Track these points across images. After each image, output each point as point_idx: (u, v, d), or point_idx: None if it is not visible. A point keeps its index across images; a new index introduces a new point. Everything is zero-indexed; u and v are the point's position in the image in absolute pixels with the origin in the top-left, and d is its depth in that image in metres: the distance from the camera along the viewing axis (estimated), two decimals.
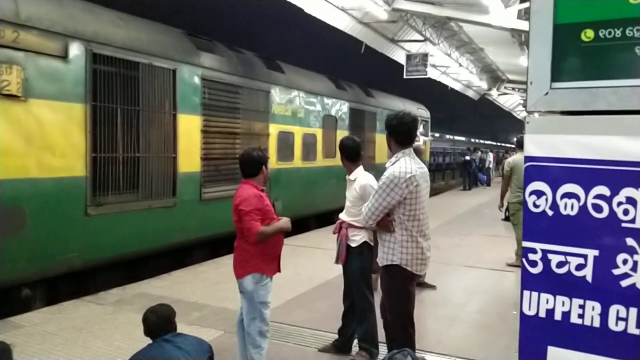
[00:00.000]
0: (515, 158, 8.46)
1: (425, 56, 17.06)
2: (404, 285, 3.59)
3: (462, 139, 72.40)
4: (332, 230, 4.53)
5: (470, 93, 30.97)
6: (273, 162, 9.83)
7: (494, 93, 30.56)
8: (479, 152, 26.83)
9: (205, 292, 6.35)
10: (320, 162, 11.58)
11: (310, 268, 7.56)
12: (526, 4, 12.34)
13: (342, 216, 4.44)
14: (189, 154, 7.76)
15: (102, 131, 6.35)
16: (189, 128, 7.74)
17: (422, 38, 17.31)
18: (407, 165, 3.47)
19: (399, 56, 18.79)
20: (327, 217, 12.25)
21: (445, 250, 8.74)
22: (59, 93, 5.85)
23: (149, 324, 3.12)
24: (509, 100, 36.11)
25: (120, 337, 4.86)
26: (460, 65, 21.58)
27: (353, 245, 4.28)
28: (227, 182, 8.61)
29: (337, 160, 12.22)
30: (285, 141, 10.25)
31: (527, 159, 2.41)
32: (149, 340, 3.16)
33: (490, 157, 26.86)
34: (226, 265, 7.17)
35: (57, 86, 5.83)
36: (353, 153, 4.47)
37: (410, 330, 3.68)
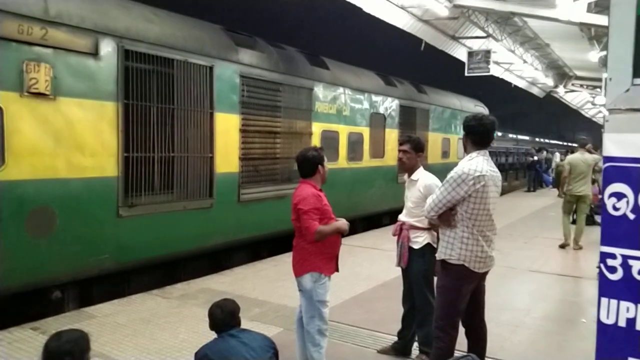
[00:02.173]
0: (574, 156, 9.67)
1: (487, 53, 16.73)
2: (459, 283, 3.53)
3: (526, 138, 69.55)
4: (392, 232, 4.45)
5: (535, 90, 29.90)
6: None
7: (560, 90, 29.31)
8: (545, 152, 25.42)
9: (265, 289, 6.44)
10: (367, 163, 11.09)
11: (368, 268, 7.49)
12: None
13: (402, 217, 4.37)
14: (227, 154, 7.50)
15: (135, 130, 6.18)
16: (227, 127, 7.48)
17: (484, 34, 16.86)
18: (478, 165, 3.47)
19: (460, 53, 18.41)
20: (374, 220, 11.74)
21: (508, 253, 8.33)
22: (89, 91, 5.72)
23: (214, 318, 3.17)
24: (576, 97, 34.47)
25: (185, 331, 5.02)
26: (525, 61, 20.81)
27: (415, 247, 4.22)
28: (266, 183, 8.32)
29: (385, 161, 11.85)
30: (329, 140, 9.84)
31: (606, 159, 2.33)
32: (212, 334, 3.20)
33: (557, 157, 25.52)
34: (285, 263, 7.29)
35: (88, 84, 5.70)
36: (423, 153, 4.44)
37: (452, 332, 3.59)
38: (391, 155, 11.99)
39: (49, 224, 5.40)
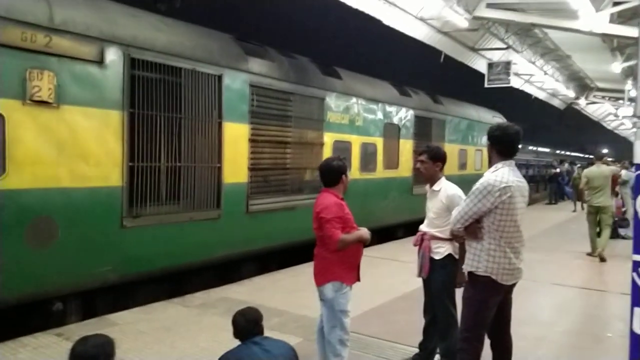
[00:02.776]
0: (592, 169, 10.04)
1: (507, 64, 16.67)
2: (486, 295, 3.49)
3: (547, 150, 68.51)
4: (413, 242, 4.41)
5: (555, 102, 29.66)
6: None
7: (581, 102, 29.12)
8: (566, 165, 24.95)
9: (284, 299, 6.46)
10: (381, 174, 10.86)
11: (388, 279, 7.46)
12: (620, 7, 11.55)
13: (424, 228, 4.35)
14: (235, 164, 7.36)
15: (140, 139, 6.07)
16: (236, 137, 7.35)
17: (504, 46, 16.75)
18: (504, 176, 3.43)
19: (480, 65, 18.35)
20: (388, 232, 11.48)
21: (530, 266, 8.14)
22: (94, 99, 5.63)
23: (237, 326, 3.20)
24: (598, 109, 34.08)
25: (205, 339, 5.03)
26: (545, 73, 20.73)
27: (437, 257, 4.19)
28: (276, 193, 8.15)
29: (399, 172, 11.60)
30: (342, 151, 9.63)
31: (638, 167, 2.38)
32: (232, 344, 3.22)
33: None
34: (304, 274, 7.46)
35: (92, 92, 5.62)
36: (444, 163, 4.39)
37: (477, 345, 3.54)
38: (405, 166, 11.77)
39: (49, 235, 5.29)
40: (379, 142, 10.79)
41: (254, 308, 3.33)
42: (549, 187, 23.29)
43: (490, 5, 13.29)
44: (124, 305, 6.22)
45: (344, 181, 4.00)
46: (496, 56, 17.88)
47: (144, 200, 6.13)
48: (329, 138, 9.28)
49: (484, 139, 16.10)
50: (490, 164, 3.63)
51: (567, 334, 5.57)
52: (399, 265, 8.56)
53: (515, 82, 19.72)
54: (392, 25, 13.29)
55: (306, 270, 7.10)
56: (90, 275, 5.73)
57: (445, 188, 4.24)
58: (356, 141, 10.07)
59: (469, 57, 17.98)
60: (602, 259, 9.45)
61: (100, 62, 5.68)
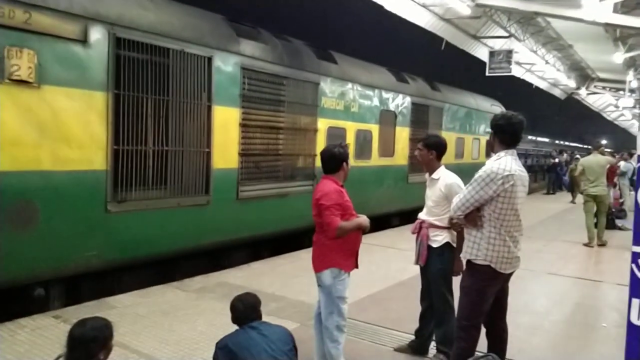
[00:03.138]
0: (588, 158, 10.21)
1: (509, 53, 16.62)
2: (484, 284, 3.50)
3: (546, 140, 68.23)
4: (411, 230, 4.43)
5: (556, 92, 29.60)
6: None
7: (582, 92, 28.94)
8: (565, 155, 24.86)
9: (282, 285, 6.46)
10: (376, 161, 10.69)
11: (384, 267, 7.47)
12: None
13: (422, 216, 4.35)
14: (225, 149, 7.19)
15: (125, 122, 5.89)
16: (226, 121, 7.17)
17: (506, 34, 16.64)
18: (507, 164, 3.43)
19: (481, 53, 18.27)
20: (383, 221, 11.34)
21: (527, 256, 8.42)
22: (77, 80, 5.44)
23: (235, 311, 3.23)
24: (598, 100, 33.97)
25: (203, 323, 5.06)
26: (547, 62, 20.58)
27: (434, 245, 4.21)
28: (268, 180, 7.99)
29: (395, 160, 11.42)
30: (336, 138, 9.42)
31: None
32: (230, 328, 3.27)
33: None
34: (302, 260, 7.51)
35: (75, 72, 5.42)
36: (443, 151, 4.38)
37: (474, 333, 3.57)
38: (401, 154, 11.60)
39: (30, 218, 5.14)
40: (374, 129, 10.60)
41: (252, 294, 3.36)
42: (547, 177, 23.20)
43: None
44: (110, 291, 6.10)
45: (345, 168, 3.99)
46: (498, 44, 17.81)
47: (129, 184, 5.97)
48: (323, 124, 9.09)
49: (482, 128, 15.96)
50: (492, 153, 3.63)
51: (562, 324, 5.60)
52: (396, 252, 8.59)
53: (516, 71, 19.70)
54: (394, 12, 13.22)
55: (304, 256, 7.23)
56: (73, 261, 5.59)
57: (444, 177, 4.23)
58: (351, 128, 9.88)
59: (470, 45, 17.86)
60: (602, 244, 9.82)
61: (83, 41, 5.48)
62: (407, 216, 12.29)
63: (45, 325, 4.89)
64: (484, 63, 17.32)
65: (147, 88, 6.11)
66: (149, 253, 6.39)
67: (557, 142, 68.33)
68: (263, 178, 7.91)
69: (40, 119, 5.15)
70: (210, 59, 6.87)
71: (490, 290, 3.53)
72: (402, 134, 11.59)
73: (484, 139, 16.08)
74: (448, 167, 4.40)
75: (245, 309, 3.22)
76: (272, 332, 3.15)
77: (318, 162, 8.94)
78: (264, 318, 3.32)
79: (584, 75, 26.76)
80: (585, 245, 9.87)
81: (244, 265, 7.52)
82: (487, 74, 17.02)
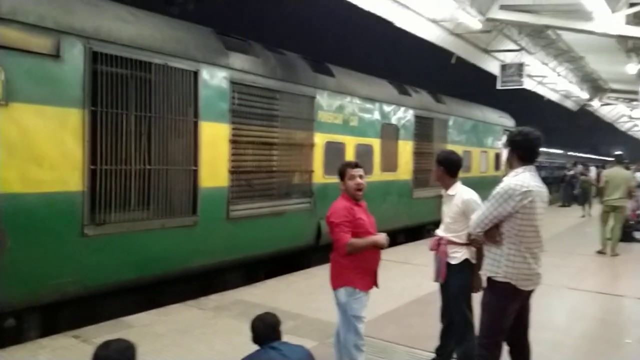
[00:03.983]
0: (611, 170, 10.56)
1: (520, 66, 16.62)
2: (505, 302, 3.48)
3: (559, 152, 67.40)
4: (429, 247, 4.40)
5: (568, 104, 29.54)
6: (319, 176, 8.73)
7: (595, 103, 28.87)
8: (579, 166, 24.38)
9: (298, 302, 6.41)
10: (378, 177, 10.29)
11: (401, 283, 7.37)
12: (636, 8, 11.44)
13: (440, 232, 4.34)
14: (214, 167, 6.85)
15: (104, 140, 5.58)
16: (214, 137, 6.84)
17: (517, 47, 16.63)
18: (525, 180, 3.44)
19: (492, 67, 18.24)
20: None
21: (544, 270, 8.04)
22: (49, 97, 5.14)
23: (256, 331, 3.23)
24: (611, 111, 33.71)
25: (221, 342, 5.05)
26: (559, 74, 20.56)
27: (453, 262, 4.18)
28: (262, 198, 7.62)
29: (398, 175, 11.00)
30: (334, 152, 9.11)
31: None
32: (248, 347, 3.25)
33: (593, 171, 24.49)
34: (317, 276, 7.55)
35: (47, 89, 5.13)
36: (456, 167, 4.35)
37: (496, 351, 3.56)
38: (405, 168, 11.19)
39: None
40: (375, 143, 10.22)
41: (272, 313, 3.35)
42: (562, 189, 22.76)
43: (503, 7, 13.27)
44: (90, 319, 5.74)
45: (346, 184, 3.96)
46: (509, 58, 17.82)
47: (108, 206, 5.63)
48: (320, 139, 8.74)
49: (490, 140, 15.52)
50: (511, 169, 3.62)
51: (584, 340, 5.48)
52: (412, 268, 8.51)
53: (528, 84, 19.73)
54: (404, 27, 13.19)
55: (320, 273, 7.41)
56: (47, 288, 5.24)
57: (460, 192, 4.21)
58: (350, 142, 9.51)
59: (481, 59, 17.89)
60: (615, 255, 9.92)
61: (56, 55, 5.19)
62: (413, 233, 11.85)
63: (65, 345, 4.90)
64: (494, 76, 17.35)
65: (127, 104, 5.81)
66: (131, 277, 6.02)
67: (570, 153, 67.40)
68: (256, 196, 7.54)
69: (8, 139, 4.84)
70: (196, 73, 6.57)
71: (511, 308, 3.50)
72: (406, 148, 11.19)
73: (493, 152, 15.62)
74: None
75: (266, 329, 3.21)
76: (293, 352, 3.12)
77: (315, 178, 8.76)
78: (282, 336, 3.29)
79: (597, 87, 26.59)
80: (599, 252, 10.09)
81: (259, 282, 7.49)
82: (498, 87, 17.00)
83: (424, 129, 11.86)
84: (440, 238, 4.29)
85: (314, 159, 8.59)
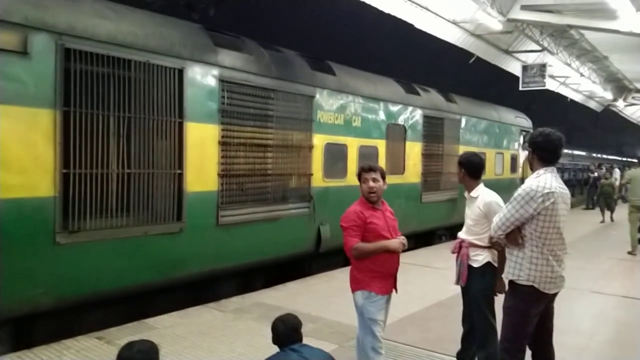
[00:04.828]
0: (635, 171, 10.78)
1: (543, 67, 16.51)
2: (528, 305, 3.45)
3: (583, 153, 65.95)
4: (451, 250, 4.40)
5: (592, 104, 29.32)
6: (318, 180, 8.30)
7: (619, 104, 28.70)
8: (603, 168, 23.66)
9: (318, 305, 6.40)
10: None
11: (421, 287, 7.31)
12: None
13: (462, 235, 4.31)
14: (202, 170, 6.48)
15: (77, 142, 5.24)
16: (202, 139, 6.47)
17: (539, 48, 16.50)
18: (547, 181, 3.42)
19: (514, 67, 18.08)
20: None
21: (568, 273, 8.12)
22: (15, 96, 4.82)
23: (277, 332, 3.21)
24: (637, 111, 32.72)
25: (242, 344, 5.07)
26: (582, 75, 20.32)
27: (475, 265, 4.16)
28: (255, 203, 7.22)
29: (406, 177, 10.46)
30: (335, 154, 8.68)
31: None
32: (269, 349, 3.23)
33: (617, 173, 23.94)
34: (337, 279, 7.53)
35: (13, 88, 4.81)
36: (478, 170, 4.34)
37: (519, 355, 3.52)
38: (413, 171, 10.69)
39: None
40: (380, 144, 9.75)
41: (293, 315, 3.31)
42: (586, 191, 22.25)
43: (524, 7, 13.12)
44: (66, 332, 5.40)
45: (362, 187, 3.93)
46: (531, 58, 17.64)
47: (83, 212, 5.29)
48: (319, 140, 8.31)
49: (506, 141, 14.89)
50: (532, 171, 3.59)
51: (609, 345, 5.41)
52: (433, 272, 8.44)
53: (550, 85, 19.53)
54: (424, 29, 13.22)
55: (339, 276, 7.49)
56: (16, 301, 4.91)
57: (482, 195, 4.20)
58: (353, 143, 9.06)
59: (502, 60, 17.78)
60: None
61: (23, 52, 4.87)
62: (422, 238, 11.34)
63: (89, 346, 4.98)
64: (516, 77, 17.18)
65: (104, 104, 5.48)
66: (110, 288, 5.67)
67: (594, 155, 65.78)
68: (249, 201, 7.14)
69: None
70: (181, 71, 6.21)
71: (534, 311, 3.46)
72: (414, 150, 10.69)
73: (509, 153, 14.98)
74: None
75: (287, 330, 3.18)
76: (314, 355, 3.09)
77: (315, 182, 8.32)
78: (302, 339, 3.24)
79: (621, 87, 26.29)
80: (629, 253, 10.21)
81: (280, 285, 7.47)
82: (520, 88, 16.84)
83: (433, 129, 11.33)
84: (462, 240, 4.25)
85: (312, 161, 8.16)
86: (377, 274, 3.80)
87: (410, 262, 8.72)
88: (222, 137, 6.71)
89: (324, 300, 6.59)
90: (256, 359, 3.20)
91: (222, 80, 6.70)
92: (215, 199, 6.66)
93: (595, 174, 20.99)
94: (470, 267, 4.18)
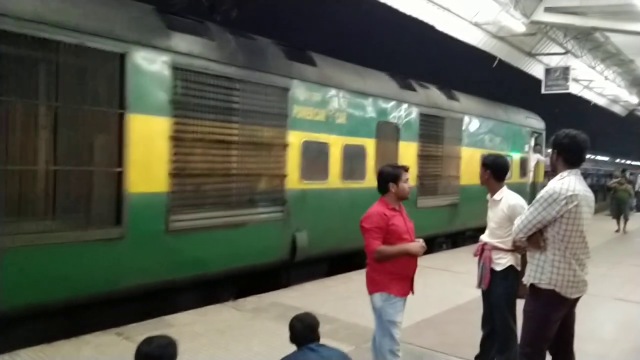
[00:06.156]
0: None
1: (566, 70, 16.30)
2: (549, 310, 3.41)
3: (606, 159, 64.23)
4: (473, 253, 4.38)
5: (616, 108, 28.94)
6: (294, 181, 7.49)
7: None
8: (628, 174, 22.62)
9: (335, 306, 6.40)
10: (372, 182, 8.83)
11: (440, 290, 7.28)
12: None
13: (485, 238, 4.31)
14: (148, 169, 5.72)
15: None
16: (149, 133, 5.72)
17: (563, 51, 16.30)
18: (570, 184, 3.38)
19: (537, 70, 17.79)
20: None
21: (591, 280, 8.10)
22: None
23: (294, 331, 3.19)
24: None
25: (259, 343, 5.09)
26: (607, 78, 20.02)
27: (497, 269, 4.15)
28: (216, 206, 6.45)
29: None
30: (315, 154, 7.87)
31: None
32: (286, 348, 3.21)
33: None
34: (354, 281, 7.37)
35: None
36: (503, 172, 4.31)
37: None
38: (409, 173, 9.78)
39: None
40: (369, 143, 8.90)
41: (311, 314, 3.30)
42: (609, 197, 21.21)
43: (548, 9, 12.87)
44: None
45: (393, 189, 3.93)
46: (554, 61, 17.37)
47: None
48: (295, 137, 7.50)
49: (516, 143, 13.89)
50: (555, 173, 3.56)
51: (632, 353, 5.36)
52: (451, 275, 8.38)
53: (573, 88, 19.13)
54: (445, 31, 13.04)
55: (357, 278, 7.28)
56: None
57: (506, 197, 4.18)
58: (336, 142, 8.23)
59: (525, 63, 17.47)
60: None
61: None
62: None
63: (108, 342, 4.98)
64: (538, 80, 16.91)
65: (29, 92, 4.78)
66: (35, 301, 4.94)
67: (617, 160, 63.88)
68: (208, 204, 6.37)
69: None
70: (123, 56, 5.47)
71: (555, 316, 3.44)
72: (408, 150, 9.81)
73: (518, 156, 13.97)
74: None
75: (304, 330, 3.17)
76: (332, 355, 3.09)
77: (290, 184, 7.50)
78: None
79: None
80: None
81: (297, 285, 7.47)
82: (543, 91, 16.61)
83: (431, 128, 10.43)
84: (485, 243, 4.24)
85: (287, 160, 7.36)
86: (395, 275, 3.82)
87: (429, 265, 8.60)
88: (175, 131, 5.96)
89: (341, 302, 6.59)
90: (273, 358, 3.26)
91: (175, 68, 5.96)
92: (165, 202, 5.89)
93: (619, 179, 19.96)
94: (492, 270, 4.15)
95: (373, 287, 3.87)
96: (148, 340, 2.66)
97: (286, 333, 3.24)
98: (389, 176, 3.94)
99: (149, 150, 5.72)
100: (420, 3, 11.77)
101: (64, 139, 5.03)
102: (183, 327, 5.45)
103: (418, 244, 3.87)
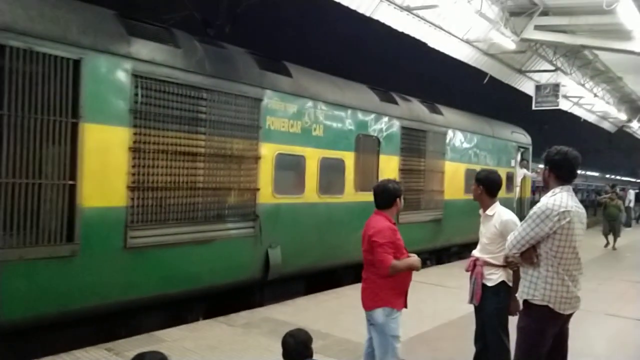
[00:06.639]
0: None
1: (556, 86, 16.54)
2: (542, 326, 3.41)
3: (596, 174, 64.60)
4: (465, 268, 4.38)
5: (605, 125, 29.83)
6: (267, 195, 7.16)
7: (634, 125, 28.71)
8: (618, 189, 22.75)
9: (327, 321, 6.37)
10: (351, 197, 8.62)
11: (432, 306, 7.28)
12: None
13: (476, 253, 4.31)
14: (104, 181, 5.38)
15: None
16: (105, 144, 5.39)
17: (552, 68, 16.48)
18: (563, 200, 3.40)
19: (527, 87, 18.03)
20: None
21: (582, 295, 7.87)
22: None
23: (287, 348, 3.17)
24: None
25: (250, 359, 5.06)
26: (596, 95, 20.21)
27: (489, 284, 4.14)
28: (179, 222, 6.11)
29: None
30: (290, 167, 7.57)
31: None
32: None
33: (631, 194, 23.80)
34: (347, 296, 7.46)
35: None
36: (496, 187, 4.32)
37: None
38: None
39: None
40: (347, 156, 8.60)
41: (304, 330, 3.29)
42: (600, 213, 21.33)
43: (538, 27, 13.11)
44: None
45: (398, 204, 4.02)
46: (544, 78, 17.62)
47: None
48: (269, 150, 7.18)
49: (501, 158, 13.67)
50: (547, 189, 3.57)
51: None
52: (444, 290, 8.38)
53: (563, 105, 19.47)
54: (437, 48, 13.30)
55: (349, 293, 7.49)
56: None
57: (499, 213, 4.19)
58: (313, 155, 7.92)
59: (515, 79, 17.73)
60: None
61: None
62: None
63: (98, 357, 4.91)
64: (529, 96, 17.11)
65: None
66: None
67: (607, 176, 64.22)
68: (171, 219, 6.01)
69: None
70: (78, 62, 5.16)
71: (548, 332, 3.42)
72: (390, 164, 9.51)
73: (504, 171, 13.74)
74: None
75: (297, 346, 3.15)
76: None
77: (262, 198, 7.15)
78: None
79: (636, 108, 26.27)
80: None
81: (289, 300, 7.40)
82: (533, 108, 16.75)
83: (414, 142, 10.17)
84: (476, 259, 4.24)
85: (259, 174, 7.03)
86: (397, 290, 3.85)
87: (422, 280, 8.35)
88: (135, 142, 5.64)
89: (334, 317, 6.55)
90: None
91: (136, 76, 5.65)
92: (124, 217, 5.54)
93: (608, 195, 19.92)
94: (484, 285, 4.15)
95: (375, 302, 3.85)
96: (140, 357, 2.64)
97: (278, 349, 3.20)
98: (397, 192, 3.99)
99: (105, 162, 5.38)
100: (413, 21, 12.01)
101: (10, 150, 4.69)
102: (174, 342, 5.40)
103: (419, 259, 3.95)
